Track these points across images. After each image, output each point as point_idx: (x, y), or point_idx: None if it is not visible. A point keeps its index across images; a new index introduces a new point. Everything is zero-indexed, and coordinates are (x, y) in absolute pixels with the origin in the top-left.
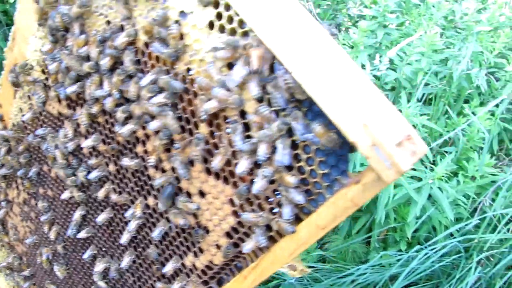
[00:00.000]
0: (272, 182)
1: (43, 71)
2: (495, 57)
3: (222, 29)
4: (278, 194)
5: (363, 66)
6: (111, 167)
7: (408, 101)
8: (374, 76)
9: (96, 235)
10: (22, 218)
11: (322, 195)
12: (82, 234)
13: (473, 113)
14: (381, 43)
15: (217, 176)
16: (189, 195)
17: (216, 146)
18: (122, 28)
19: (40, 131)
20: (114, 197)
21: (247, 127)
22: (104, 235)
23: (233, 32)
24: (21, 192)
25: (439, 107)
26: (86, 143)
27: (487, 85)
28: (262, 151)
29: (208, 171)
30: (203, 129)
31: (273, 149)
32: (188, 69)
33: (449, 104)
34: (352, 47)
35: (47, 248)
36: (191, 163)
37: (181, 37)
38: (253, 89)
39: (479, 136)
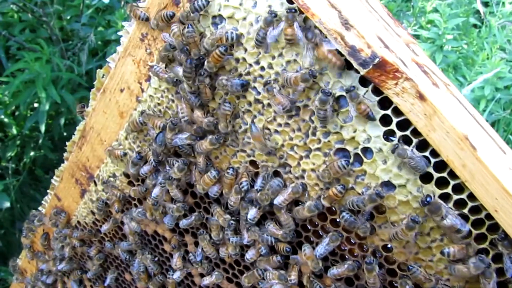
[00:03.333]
0: None
1: (130, 182)
2: None
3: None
4: None
5: None
6: None
7: None
8: None
9: None
10: None
11: None
12: None
13: None
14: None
15: None
16: None
17: None
18: (276, 173)
19: (126, 246)
20: None
21: None
22: None
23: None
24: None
25: (500, 134)
26: (207, 282)
27: None
28: None
29: None
30: None
31: None
32: (386, 245)
33: (510, 131)
34: None
35: None
36: None
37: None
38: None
39: None
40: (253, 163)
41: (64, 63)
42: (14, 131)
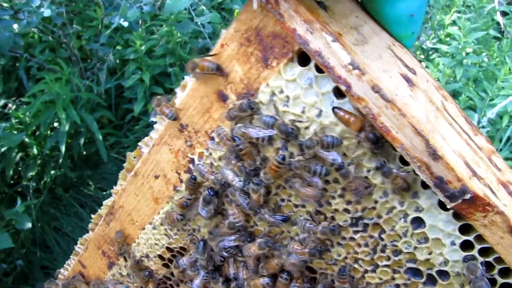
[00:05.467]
0: None
1: (165, 265)
2: None
3: None
4: None
5: None
6: None
7: None
8: None
9: None
10: None
11: None
12: None
13: None
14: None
15: None
16: None
17: None
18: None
19: None
20: None
21: None
22: None
23: None
24: None
25: None
26: None
27: None
28: None
29: None
30: None
31: None
32: None
33: None
34: None
35: None
36: None
37: None
38: None
39: None
40: (309, 268)
41: (83, 83)
42: (35, 151)
